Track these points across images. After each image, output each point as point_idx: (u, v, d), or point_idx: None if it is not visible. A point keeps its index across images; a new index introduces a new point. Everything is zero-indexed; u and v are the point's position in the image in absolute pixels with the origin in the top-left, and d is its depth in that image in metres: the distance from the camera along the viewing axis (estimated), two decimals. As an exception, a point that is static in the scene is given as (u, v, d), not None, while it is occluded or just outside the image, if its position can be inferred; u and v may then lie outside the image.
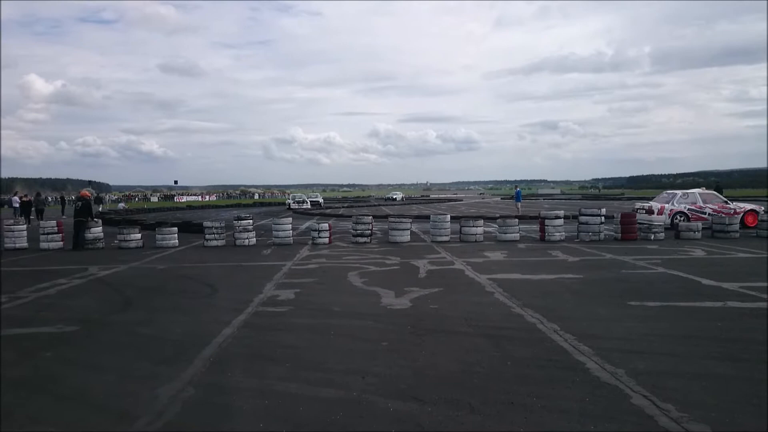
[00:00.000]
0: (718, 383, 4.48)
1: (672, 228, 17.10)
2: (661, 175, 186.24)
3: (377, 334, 6.15)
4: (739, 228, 16.56)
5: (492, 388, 4.41)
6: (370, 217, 17.36)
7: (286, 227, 16.61)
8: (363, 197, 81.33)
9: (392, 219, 17.33)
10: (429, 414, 3.94)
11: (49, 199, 70.81)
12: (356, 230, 16.48)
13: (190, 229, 20.10)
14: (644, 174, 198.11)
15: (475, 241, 16.03)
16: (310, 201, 48.11)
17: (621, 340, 5.77)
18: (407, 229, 16.69)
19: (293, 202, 46.83)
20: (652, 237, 15.69)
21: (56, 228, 16.48)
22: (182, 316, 7.33)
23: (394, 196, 69.21)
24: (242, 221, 16.80)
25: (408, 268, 11.16)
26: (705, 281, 9.09)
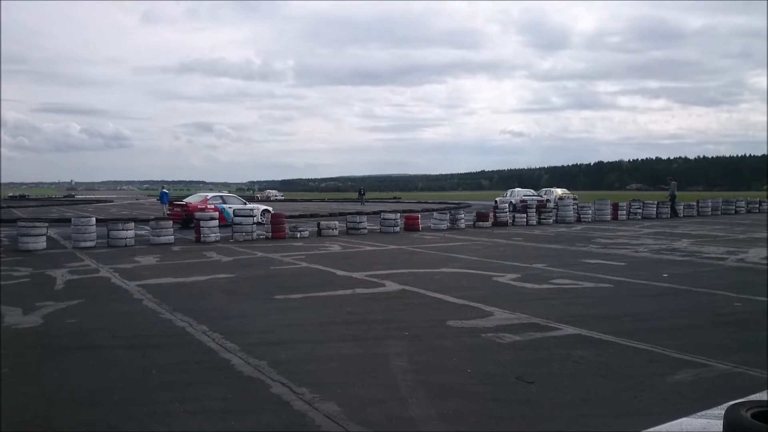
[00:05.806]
0: (345, 362, 5.14)
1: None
2: (309, 179, 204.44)
3: (-5, 361, 5.25)
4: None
5: (133, 401, 4.21)
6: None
7: None
8: None
9: (22, 223, 14.91)
10: (58, 442, 3.57)
11: None
12: (-29, 238, 13.67)
13: None
14: (295, 178, 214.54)
15: (126, 245, 14.99)
16: None
17: (266, 333, 6.17)
18: (43, 235, 14.60)
19: None
20: (299, 235, 17.13)
21: None
22: None
23: None
24: None
25: (41, 280, 9.79)
26: (339, 272, 10.35)
